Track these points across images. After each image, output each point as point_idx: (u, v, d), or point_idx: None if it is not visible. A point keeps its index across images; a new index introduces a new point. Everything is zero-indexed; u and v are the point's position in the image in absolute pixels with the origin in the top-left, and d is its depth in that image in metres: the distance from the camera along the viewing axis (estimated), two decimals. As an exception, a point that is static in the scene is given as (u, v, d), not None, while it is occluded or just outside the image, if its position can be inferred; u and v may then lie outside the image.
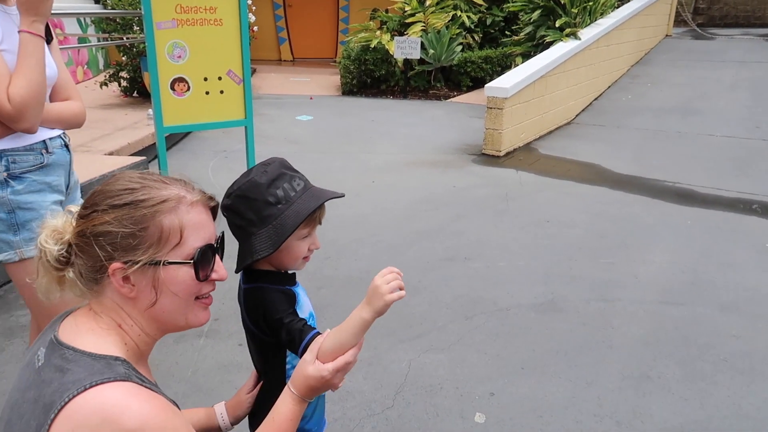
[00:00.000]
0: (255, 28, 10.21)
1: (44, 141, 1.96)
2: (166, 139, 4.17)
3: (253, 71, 12.09)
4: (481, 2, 10.55)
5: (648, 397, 2.60)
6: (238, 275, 1.38)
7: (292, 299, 1.35)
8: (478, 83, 9.75)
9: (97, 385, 0.91)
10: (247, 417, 1.47)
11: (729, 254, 4.06)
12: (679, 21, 14.31)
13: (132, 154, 5.40)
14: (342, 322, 1.17)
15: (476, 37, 10.48)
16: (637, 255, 4.04)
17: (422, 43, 9.47)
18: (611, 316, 3.26)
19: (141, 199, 1.03)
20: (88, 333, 1.02)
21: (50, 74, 1.93)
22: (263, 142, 6.52)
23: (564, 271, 3.79)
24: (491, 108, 6.49)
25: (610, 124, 7.80)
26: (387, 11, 10.97)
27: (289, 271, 1.40)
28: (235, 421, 1.46)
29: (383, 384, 2.64)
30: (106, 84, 7.76)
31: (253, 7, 10.08)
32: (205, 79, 4.04)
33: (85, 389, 0.91)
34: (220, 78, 4.09)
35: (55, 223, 1.07)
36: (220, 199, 1.30)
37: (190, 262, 1.05)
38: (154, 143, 4.98)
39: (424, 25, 9.91)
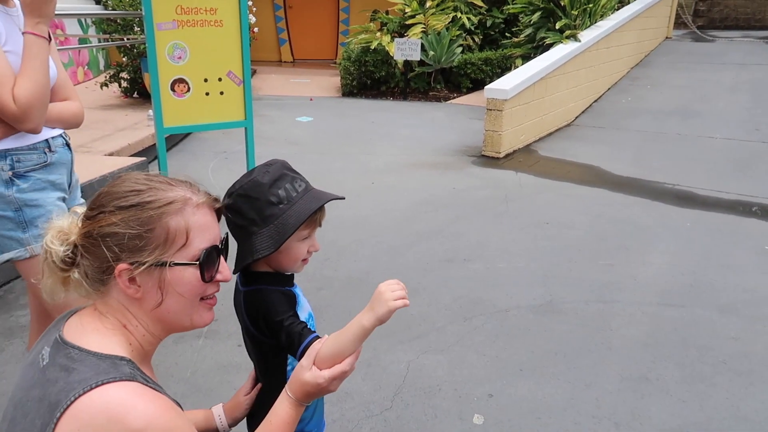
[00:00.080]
0: (255, 30, 10.22)
1: (47, 140, 1.99)
2: (166, 140, 4.17)
3: (254, 72, 12.10)
4: (481, 4, 10.57)
5: (647, 398, 2.60)
6: (234, 279, 1.38)
7: (293, 300, 1.35)
8: (478, 85, 9.76)
9: (102, 384, 0.92)
10: (245, 419, 1.47)
11: (728, 256, 4.07)
12: (679, 23, 14.33)
13: (132, 155, 5.41)
14: (342, 328, 1.17)
15: (476, 39, 10.49)
16: (637, 257, 4.04)
17: (422, 45, 9.48)
18: (610, 318, 3.26)
19: (147, 200, 1.03)
20: (94, 333, 1.02)
21: (51, 75, 1.94)
22: (263, 143, 6.53)
23: (563, 272, 3.79)
24: (491, 110, 6.49)
25: (610, 126, 7.81)
26: (387, 13, 10.98)
27: (288, 273, 1.40)
28: (233, 423, 1.46)
29: (382, 385, 2.64)
30: (106, 85, 7.77)
31: (254, 8, 10.10)
32: (206, 80, 4.04)
33: (91, 389, 0.91)
34: (220, 79, 4.09)
35: (61, 224, 1.07)
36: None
37: (195, 264, 1.06)
38: (154, 144, 4.98)
39: (424, 26, 9.92)
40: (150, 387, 0.97)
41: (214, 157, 6.16)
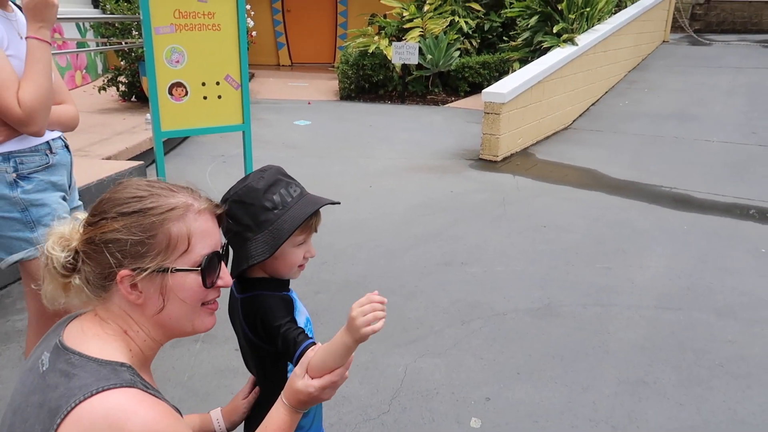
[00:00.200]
0: (253, 33, 10.24)
1: (48, 142, 2.02)
2: (164, 143, 4.17)
3: (252, 76, 12.11)
4: (479, 8, 10.59)
5: (644, 402, 2.61)
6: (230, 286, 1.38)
7: (291, 305, 1.34)
8: (476, 88, 9.78)
9: (103, 390, 0.92)
10: (243, 423, 1.47)
11: (725, 259, 4.08)
12: (676, 27, 14.37)
13: (130, 159, 5.41)
14: (330, 341, 1.16)
15: (474, 43, 10.51)
16: (634, 260, 4.04)
17: (420, 49, 9.50)
18: (608, 321, 3.26)
19: (149, 206, 1.04)
20: (94, 338, 1.02)
21: None
22: (261, 146, 6.53)
23: (561, 276, 3.79)
24: (488, 113, 6.50)
25: (607, 130, 7.82)
26: (385, 17, 11.00)
27: (284, 279, 1.40)
28: (231, 427, 1.46)
29: (379, 389, 2.64)
30: (104, 88, 7.77)
31: (252, 12, 10.13)
32: (203, 84, 4.04)
33: (92, 395, 0.91)
34: (218, 83, 4.09)
35: (62, 230, 1.07)
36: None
37: (197, 269, 1.06)
38: (152, 148, 4.98)
39: (422, 30, 9.94)
40: (150, 393, 0.97)
41: (212, 160, 6.16)
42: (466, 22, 10.26)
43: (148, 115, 5.14)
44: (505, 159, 6.63)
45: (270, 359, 1.36)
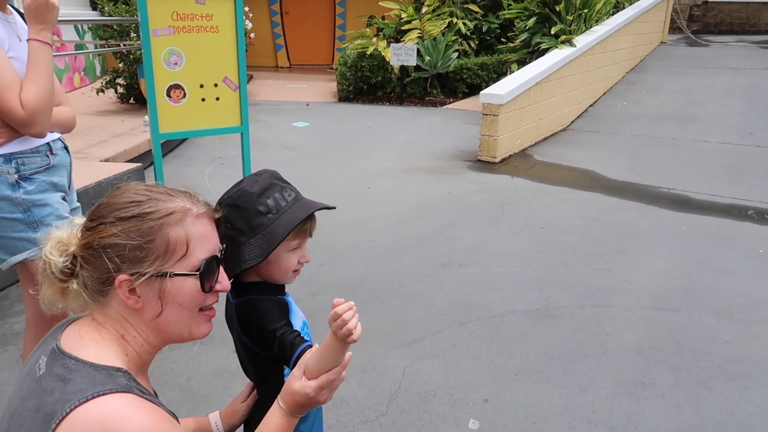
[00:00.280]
0: (252, 35, 10.23)
1: (48, 143, 2.04)
2: (162, 145, 4.17)
3: (250, 78, 12.11)
4: (477, 9, 10.61)
5: (642, 403, 2.61)
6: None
7: (286, 309, 1.34)
8: (474, 90, 9.78)
9: (99, 396, 0.92)
10: (242, 426, 1.47)
11: (723, 260, 4.08)
12: (674, 28, 14.39)
13: (128, 161, 5.40)
14: (324, 341, 1.16)
15: (472, 44, 10.52)
16: (632, 261, 4.05)
17: (418, 50, 9.51)
18: (605, 322, 3.26)
19: (148, 211, 1.04)
20: (91, 343, 1.02)
21: None
22: (260, 148, 6.54)
23: (559, 277, 3.80)
24: (486, 114, 6.51)
25: (606, 131, 7.83)
26: (383, 18, 11.01)
27: (279, 284, 1.40)
28: (230, 430, 1.46)
29: (377, 390, 2.64)
30: (102, 91, 7.77)
31: (251, 14, 10.13)
32: (201, 86, 4.05)
33: (87, 400, 0.91)
34: (216, 85, 4.09)
35: (60, 235, 1.07)
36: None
37: (196, 274, 1.06)
38: (150, 150, 4.99)
39: (420, 32, 9.94)
40: (146, 398, 0.97)
41: (210, 162, 6.16)
42: (464, 24, 10.27)
43: (147, 117, 5.14)
44: (503, 160, 6.63)
45: (267, 363, 1.35)
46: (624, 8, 10.37)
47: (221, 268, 1.13)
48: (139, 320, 1.06)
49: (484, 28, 10.59)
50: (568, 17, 8.36)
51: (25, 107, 1.84)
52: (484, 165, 6.46)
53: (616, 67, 9.87)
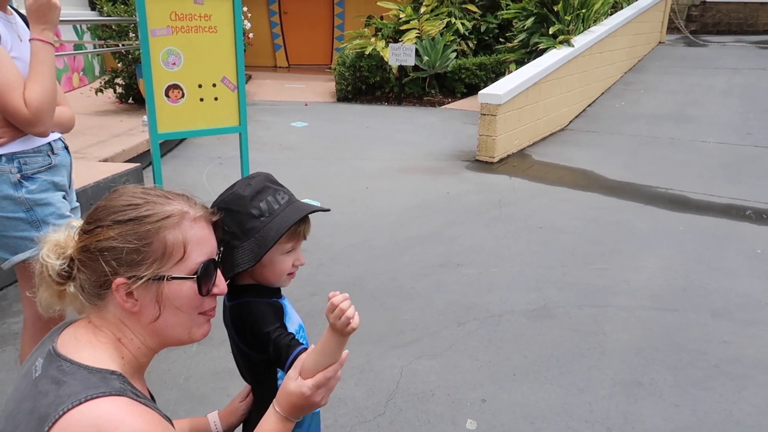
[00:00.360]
0: (251, 35, 10.23)
1: (49, 143, 2.06)
2: (160, 145, 4.17)
3: (249, 78, 12.11)
4: (476, 9, 10.61)
5: (639, 403, 2.61)
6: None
7: (280, 312, 1.33)
8: (473, 90, 9.79)
9: (92, 399, 0.92)
10: (241, 426, 1.47)
11: (721, 260, 4.09)
12: (672, 28, 14.40)
13: (126, 161, 5.40)
14: (320, 340, 1.16)
15: (470, 44, 10.53)
16: (630, 261, 4.06)
17: (417, 50, 9.51)
18: (603, 323, 3.27)
19: (145, 214, 1.04)
20: (87, 346, 1.02)
21: None
22: (259, 148, 6.54)
23: (556, 277, 3.80)
24: (485, 115, 6.51)
25: (604, 131, 7.84)
26: (382, 18, 11.01)
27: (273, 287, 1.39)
28: (228, 429, 1.46)
29: (375, 391, 2.65)
30: (101, 90, 7.76)
31: (249, 14, 10.13)
32: (200, 86, 4.04)
33: (80, 403, 0.91)
34: (214, 85, 4.09)
35: (57, 238, 1.07)
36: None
37: (193, 278, 1.06)
38: (149, 150, 4.98)
39: (418, 32, 9.95)
40: (140, 402, 0.97)
41: (209, 162, 6.16)
42: (463, 24, 10.28)
43: (145, 117, 5.14)
44: (501, 160, 6.64)
45: (261, 366, 1.35)
46: (622, 8, 10.38)
47: (219, 271, 1.13)
48: (137, 323, 1.06)
49: (483, 28, 10.60)
50: (566, 17, 8.37)
51: (29, 106, 1.85)
52: (482, 165, 6.46)
53: (614, 67, 9.88)
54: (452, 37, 10.03)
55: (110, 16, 7.68)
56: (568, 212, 4.97)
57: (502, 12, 9.88)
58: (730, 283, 3.76)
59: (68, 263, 1.05)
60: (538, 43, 8.48)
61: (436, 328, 3.19)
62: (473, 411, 2.53)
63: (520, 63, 8.60)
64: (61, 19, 2.05)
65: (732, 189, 5.62)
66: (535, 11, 8.78)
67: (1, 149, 1.91)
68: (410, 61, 9.28)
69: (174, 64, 3.95)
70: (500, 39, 10.33)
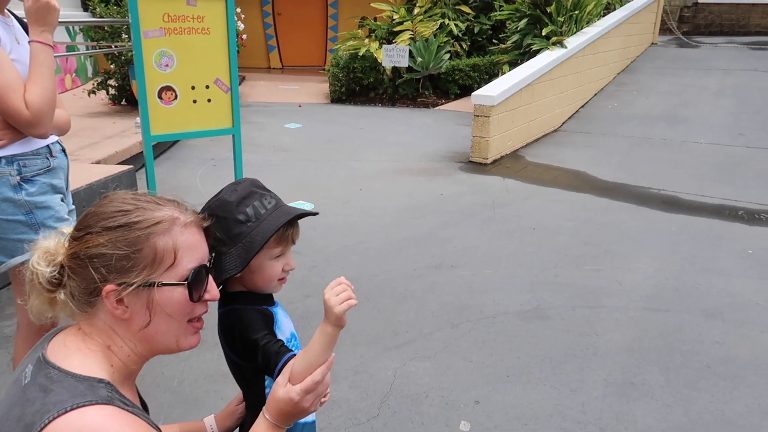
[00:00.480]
0: (244, 36, 10.22)
1: (48, 146, 2.06)
2: (154, 147, 4.16)
3: (243, 79, 12.09)
4: (469, 11, 10.63)
5: (632, 403, 2.62)
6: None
7: (270, 319, 1.32)
8: (466, 91, 9.80)
9: (78, 407, 0.92)
10: (238, 429, 1.47)
11: (713, 261, 4.11)
12: (664, 29, 14.47)
13: (119, 163, 5.38)
14: (309, 342, 1.15)
15: (464, 45, 10.55)
16: (623, 262, 4.07)
17: (410, 51, 9.52)
18: (596, 323, 3.28)
19: (135, 220, 1.03)
20: (76, 353, 1.02)
21: None
22: (252, 149, 6.53)
23: (550, 278, 3.81)
24: (478, 116, 6.53)
25: (597, 132, 7.87)
26: (375, 19, 11.02)
27: (264, 293, 1.38)
28: None
29: (369, 393, 2.65)
30: (94, 92, 7.74)
31: (242, 15, 10.11)
32: (193, 88, 4.04)
33: (66, 411, 0.91)
34: (207, 86, 4.09)
35: (47, 245, 1.06)
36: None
37: (184, 284, 1.05)
38: (142, 152, 4.97)
39: (412, 33, 9.96)
40: (127, 410, 0.96)
41: (202, 164, 6.15)
42: (456, 25, 10.29)
43: (138, 119, 5.12)
44: (495, 161, 6.65)
45: (250, 372, 1.34)
46: (615, 10, 10.42)
47: (210, 277, 1.12)
48: (127, 330, 1.05)
49: (476, 30, 10.62)
50: (559, 19, 8.40)
51: (29, 108, 1.85)
52: (475, 166, 6.47)
53: (607, 68, 9.92)
54: (446, 39, 10.05)
55: (103, 17, 7.66)
56: (561, 213, 4.99)
57: (496, 13, 9.91)
58: (722, 283, 3.78)
59: (58, 270, 1.04)
60: (531, 44, 8.50)
61: (429, 329, 3.19)
62: (467, 412, 2.54)
63: (513, 64, 8.63)
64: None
65: (724, 189, 5.65)
66: (528, 13, 8.80)
67: (0, 151, 1.91)
68: (404, 62, 9.29)
69: (167, 65, 3.94)
70: (493, 40, 10.35)
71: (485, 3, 10.67)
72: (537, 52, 8.13)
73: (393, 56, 9.28)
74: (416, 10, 10.33)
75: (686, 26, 15.79)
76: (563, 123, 8.30)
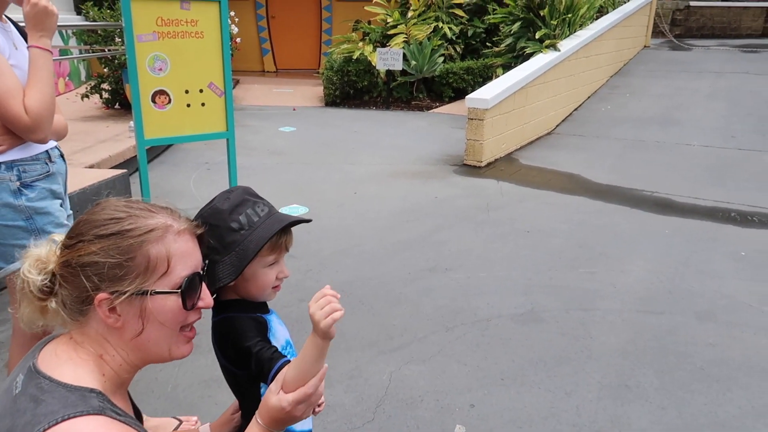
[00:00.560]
0: (238, 40, 10.21)
1: (47, 151, 2.07)
2: (147, 151, 4.16)
3: (237, 82, 12.08)
4: (463, 14, 10.66)
5: (626, 406, 2.63)
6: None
7: (263, 326, 1.32)
8: (460, 94, 9.83)
9: (70, 418, 0.91)
10: None
11: (706, 263, 4.13)
12: (657, 32, 14.54)
13: (113, 167, 5.37)
14: (301, 350, 1.15)
15: (458, 49, 10.57)
16: (616, 264, 4.08)
17: (404, 55, 9.54)
18: (590, 326, 3.29)
19: (128, 228, 1.02)
20: (67, 362, 1.01)
21: None
22: (247, 153, 6.53)
23: (544, 281, 3.82)
24: (472, 119, 6.54)
25: (590, 135, 7.90)
26: (369, 23, 11.03)
27: (258, 301, 1.38)
28: None
29: (364, 397, 2.64)
30: (87, 96, 7.72)
31: (236, 19, 10.10)
32: (187, 92, 4.04)
33: (57, 423, 0.90)
34: (201, 90, 4.09)
35: (38, 252, 1.05)
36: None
37: (177, 292, 1.05)
38: (136, 156, 4.96)
39: (406, 36, 9.98)
40: (119, 420, 0.96)
41: (196, 168, 6.14)
42: (450, 28, 10.32)
43: (132, 123, 5.11)
44: (489, 164, 6.67)
45: (244, 380, 1.34)
46: (608, 13, 10.47)
47: (204, 284, 1.12)
48: (119, 339, 1.05)
49: (470, 33, 10.65)
50: (552, 22, 8.43)
51: (29, 113, 1.86)
52: (470, 169, 6.49)
53: (600, 71, 9.96)
54: (439, 42, 10.07)
55: (96, 20, 7.64)
56: (555, 216, 5.00)
57: (489, 17, 9.93)
58: (715, 285, 3.80)
59: (50, 279, 1.04)
60: (524, 47, 8.53)
61: (424, 333, 3.19)
62: (462, 416, 2.54)
63: (507, 67, 8.65)
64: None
65: (717, 192, 5.68)
66: (521, 16, 8.83)
67: (0, 157, 1.91)
68: (398, 65, 9.31)
69: (160, 69, 3.94)
70: (487, 43, 10.38)
71: (479, 6, 10.70)
72: (530, 55, 8.16)
73: (387, 59, 9.29)
74: (410, 14, 10.35)
75: (678, 29, 15.87)
76: (557, 126, 8.33)
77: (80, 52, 8.93)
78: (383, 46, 10.00)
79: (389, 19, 10.40)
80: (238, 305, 1.33)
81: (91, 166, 5.13)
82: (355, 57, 9.85)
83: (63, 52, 9.10)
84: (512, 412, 2.57)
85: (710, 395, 2.72)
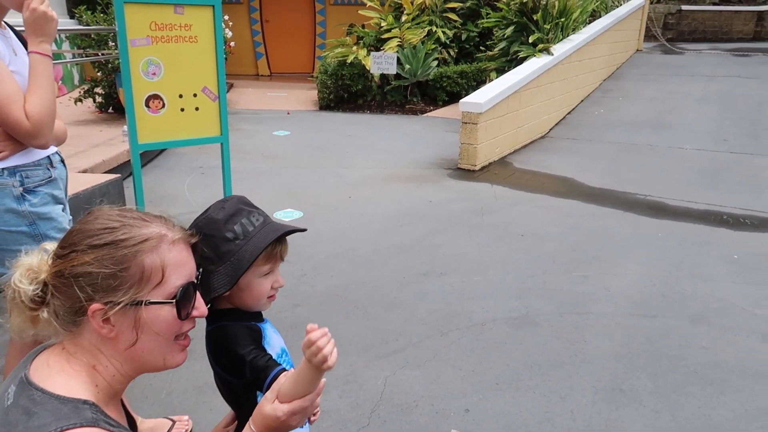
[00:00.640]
0: (232, 44, 10.21)
1: (48, 156, 2.08)
2: (141, 155, 4.14)
3: (231, 86, 12.07)
4: (456, 18, 10.69)
5: (621, 410, 2.64)
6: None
7: (257, 334, 1.31)
8: (454, 98, 9.85)
9: (62, 431, 0.90)
10: None
11: (699, 266, 4.15)
12: (649, 36, 14.62)
13: (107, 172, 5.35)
14: (299, 366, 1.13)
15: (452, 53, 10.60)
16: (610, 268, 4.10)
17: (398, 59, 9.55)
18: (584, 330, 3.30)
19: (122, 238, 1.01)
20: (59, 374, 1.00)
21: None
22: (241, 157, 6.52)
23: (538, 284, 3.83)
24: (466, 123, 6.56)
25: (584, 138, 7.93)
26: (363, 27, 11.05)
27: (253, 311, 1.37)
28: None
29: (359, 402, 2.64)
30: (81, 100, 7.69)
31: (230, 23, 10.11)
32: (180, 96, 4.03)
33: None
34: (195, 95, 4.08)
35: (30, 262, 1.04)
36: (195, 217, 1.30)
37: (172, 302, 1.04)
38: (129, 160, 4.94)
39: (400, 40, 10.00)
40: (113, 431, 0.95)
41: (190, 172, 6.12)
42: (444, 32, 10.35)
43: (125, 127, 5.10)
44: (483, 168, 6.68)
45: (240, 390, 1.33)
46: (600, 17, 10.51)
47: (198, 294, 1.11)
48: (113, 350, 1.03)
49: (463, 37, 10.68)
50: (545, 26, 8.47)
51: (30, 119, 1.86)
52: (464, 173, 6.50)
53: (594, 75, 10.00)
54: (433, 46, 10.10)
55: (89, 24, 7.62)
56: (549, 219, 5.02)
57: (483, 21, 9.96)
58: (708, 288, 3.82)
59: (42, 288, 1.02)
60: (518, 51, 8.56)
61: (419, 337, 3.19)
62: (457, 421, 2.54)
63: (500, 71, 8.68)
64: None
65: (709, 195, 5.70)
66: (514, 20, 8.87)
67: (2, 163, 1.91)
68: (392, 69, 9.32)
69: (154, 74, 3.93)
70: (481, 47, 10.41)
71: (472, 10, 10.74)
72: (524, 59, 8.19)
73: (381, 63, 9.31)
74: (404, 18, 10.38)
75: (670, 33, 15.97)
76: (550, 129, 8.35)
77: (73, 56, 8.91)
78: (377, 50, 10.02)
79: (383, 23, 10.43)
80: (233, 314, 1.33)
81: (85, 171, 5.11)
82: (349, 61, 9.86)
83: (56, 56, 9.07)
84: (507, 416, 2.58)
85: (704, 398, 2.73)
